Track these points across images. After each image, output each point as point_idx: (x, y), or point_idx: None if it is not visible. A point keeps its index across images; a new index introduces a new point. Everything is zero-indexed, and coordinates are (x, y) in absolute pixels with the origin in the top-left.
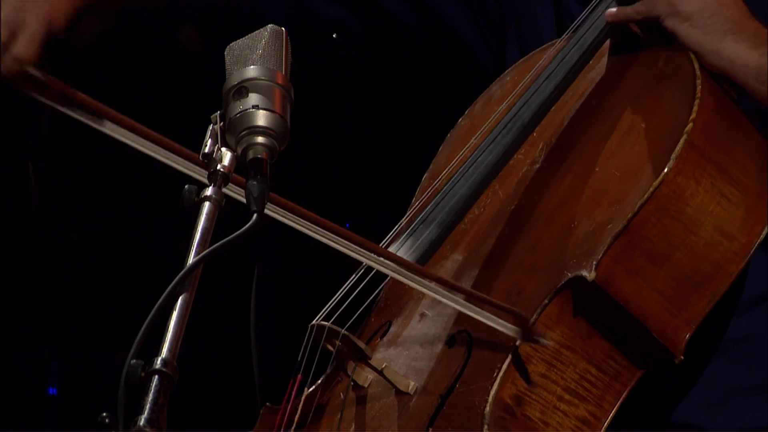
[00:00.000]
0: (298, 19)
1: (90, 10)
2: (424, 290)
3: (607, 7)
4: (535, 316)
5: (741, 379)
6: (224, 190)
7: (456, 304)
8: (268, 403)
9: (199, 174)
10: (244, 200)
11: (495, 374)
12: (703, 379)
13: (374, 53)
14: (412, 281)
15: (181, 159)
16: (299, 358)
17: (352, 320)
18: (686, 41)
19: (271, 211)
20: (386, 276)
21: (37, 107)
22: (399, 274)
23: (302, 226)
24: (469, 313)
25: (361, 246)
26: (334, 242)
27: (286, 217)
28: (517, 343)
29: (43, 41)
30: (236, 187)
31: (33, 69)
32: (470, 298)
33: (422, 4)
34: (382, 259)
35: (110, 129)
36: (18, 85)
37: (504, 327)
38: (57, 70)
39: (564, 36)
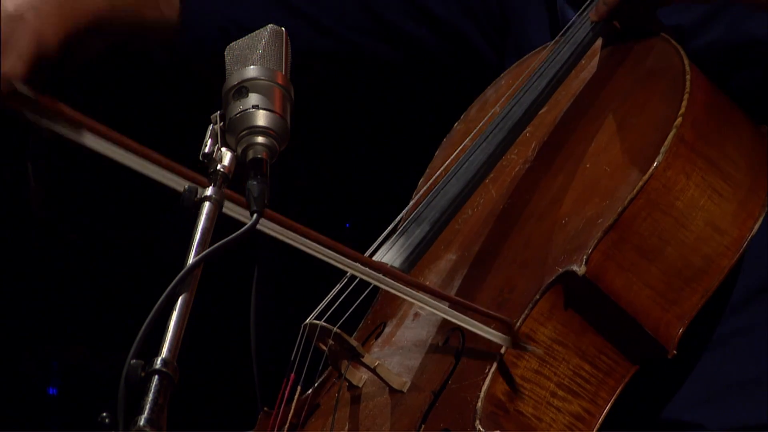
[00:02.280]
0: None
1: (88, 33)
2: (409, 299)
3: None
4: (521, 320)
5: (737, 374)
6: (224, 209)
7: (443, 312)
8: (266, 408)
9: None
10: (241, 219)
11: (487, 370)
12: (698, 375)
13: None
14: (396, 290)
15: (172, 174)
16: (292, 358)
17: (343, 318)
18: None
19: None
20: None
21: (30, 127)
22: (383, 283)
23: (281, 234)
24: (455, 321)
25: (345, 255)
26: (314, 251)
27: (270, 229)
28: (502, 350)
29: (32, 59)
30: (234, 205)
31: (22, 86)
32: (456, 305)
33: (441, 25)
34: (366, 268)
35: (100, 145)
36: (7, 104)
37: (490, 334)
38: (51, 85)
39: (557, 37)
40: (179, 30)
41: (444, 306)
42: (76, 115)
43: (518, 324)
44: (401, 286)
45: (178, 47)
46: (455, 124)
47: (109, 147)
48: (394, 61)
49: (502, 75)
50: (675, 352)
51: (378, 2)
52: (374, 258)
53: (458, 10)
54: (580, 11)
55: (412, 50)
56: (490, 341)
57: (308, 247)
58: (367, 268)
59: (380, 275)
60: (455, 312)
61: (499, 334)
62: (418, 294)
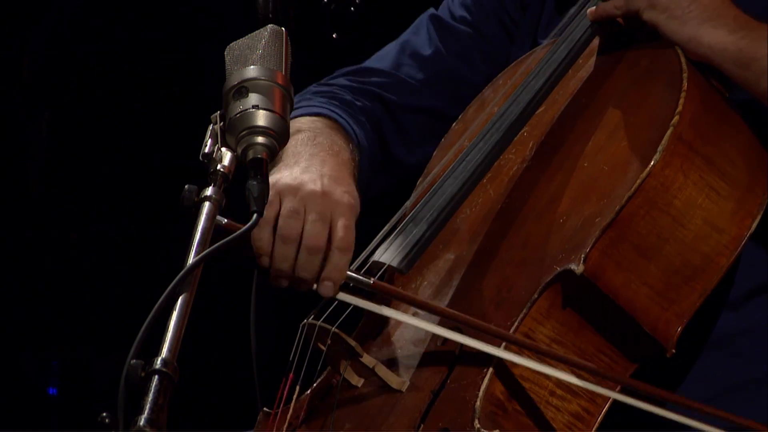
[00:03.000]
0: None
1: None
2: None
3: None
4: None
5: (737, 373)
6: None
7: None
8: (265, 408)
9: None
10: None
11: (486, 369)
12: (698, 375)
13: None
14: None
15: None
16: (291, 358)
17: (341, 318)
18: (666, 32)
19: None
20: (377, 276)
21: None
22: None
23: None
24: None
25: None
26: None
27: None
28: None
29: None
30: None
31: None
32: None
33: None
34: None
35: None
36: (338, 290)
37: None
38: None
39: (551, 36)
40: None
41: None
42: (407, 296)
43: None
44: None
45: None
46: (453, 124)
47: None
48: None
49: (499, 75)
50: (674, 350)
51: None
52: (373, 257)
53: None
54: (576, 8)
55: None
56: (488, 340)
57: None
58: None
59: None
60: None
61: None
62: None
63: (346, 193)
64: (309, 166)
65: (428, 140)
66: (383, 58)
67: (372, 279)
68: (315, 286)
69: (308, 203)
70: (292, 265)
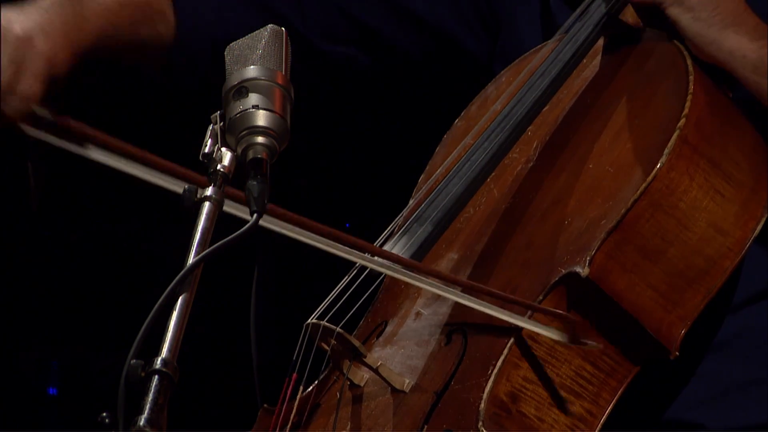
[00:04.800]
0: (304, 60)
1: (90, 52)
2: (422, 285)
3: (599, 7)
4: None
5: (738, 374)
6: (225, 208)
7: (455, 296)
8: (265, 405)
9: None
10: (242, 216)
11: (490, 371)
12: (700, 375)
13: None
14: (408, 278)
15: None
16: (294, 358)
17: (346, 318)
18: (687, 31)
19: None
20: (380, 275)
21: (40, 148)
22: (395, 271)
23: (292, 231)
24: (469, 304)
25: (354, 246)
26: (325, 245)
27: (276, 225)
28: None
29: (46, 80)
30: (233, 202)
31: (39, 108)
32: (468, 290)
33: (426, 27)
34: (377, 258)
35: (121, 164)
36: (23, 128)
37: (508, 315)
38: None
39: (556, 35)
40: (173, 47)
41: (456, 290)
42: (98, 134)
43: (539, 300)
44: (412, 273)
45: (171, 64)
46: (456, 121)
47: (132, 165)
48: (375, 68)
49: (502, 72)
50: (677, 353)
51: (357, 6)
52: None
53: (446, 11)
54: (581, 8)
55: (393, 57)
56: (492, 342)
57: (315, 241)
58: (378, 258)
59: (391, 263)
60: (468, 296)
61: (516, 315)
62: (429, 280)
63: (50, 46)
64: (40, 9)
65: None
66: None
67: (57, 117)
68: None
69: (6, 44)
70: None
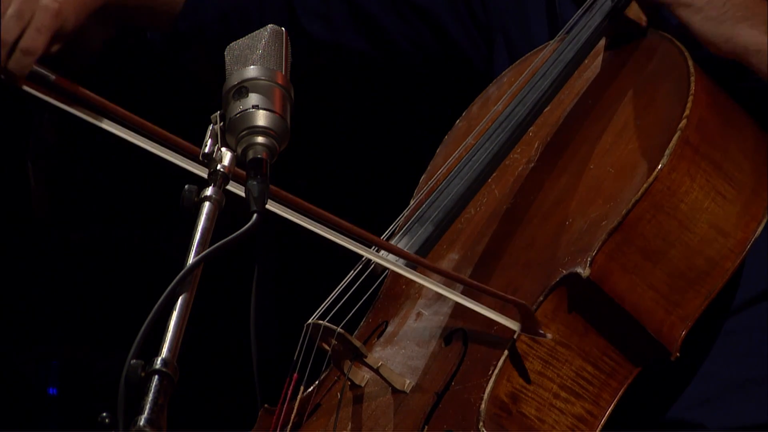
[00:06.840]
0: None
1: (97, 18)
2: (424, 283)
3: (601, 7)
4: (535, 307)
5: (737, 374)
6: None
7: (455, 296)
8: (266, 405)
9: (202, 171)
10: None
11: (491, 371)
12: (700, 374)
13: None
14: (412, 274)
15: (185, 157)
16: (295, 358)
17: (347, 319)
18: (699, 32)
19: (271, 206)
20: (381, 276)
21: (39, 105)
22: (399, 267)
23: (302, 219)
24: (468, 305)
25: (360, 239)
26: (333, 235)
27: (286, 211)
28: (515, 335)
29: (52, 35)
30: (237, 184)
31: (40, 66)
32: (470, 289)
33: (419, 20)
34: (382, 252)
35: (112, 126)
36: (23, 83)
37: (504, 319)
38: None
39: (558, 36)
40: (181, 14)
41: (458, 291)
42: (93, 96)
43: (534, 308)
44: (415, 271)
45: (179, 32)
46: (457, 121)
47: (124, 130)
48: (372, 58)
49: (504, 72)
50: (678, 354)
51: None
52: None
53: (441, 3)
54: (583, 8)
55: (389, 45)
56: (492, 342)
57: (326, 232)
58: (383, 251)
59: (395, 258)
60: (469, 297)
61: (512, 319)
62: (431, 278)
63: (58, 1)
64: None
65: None
66: None
67: (54, 75)
68: None
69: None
70: None
